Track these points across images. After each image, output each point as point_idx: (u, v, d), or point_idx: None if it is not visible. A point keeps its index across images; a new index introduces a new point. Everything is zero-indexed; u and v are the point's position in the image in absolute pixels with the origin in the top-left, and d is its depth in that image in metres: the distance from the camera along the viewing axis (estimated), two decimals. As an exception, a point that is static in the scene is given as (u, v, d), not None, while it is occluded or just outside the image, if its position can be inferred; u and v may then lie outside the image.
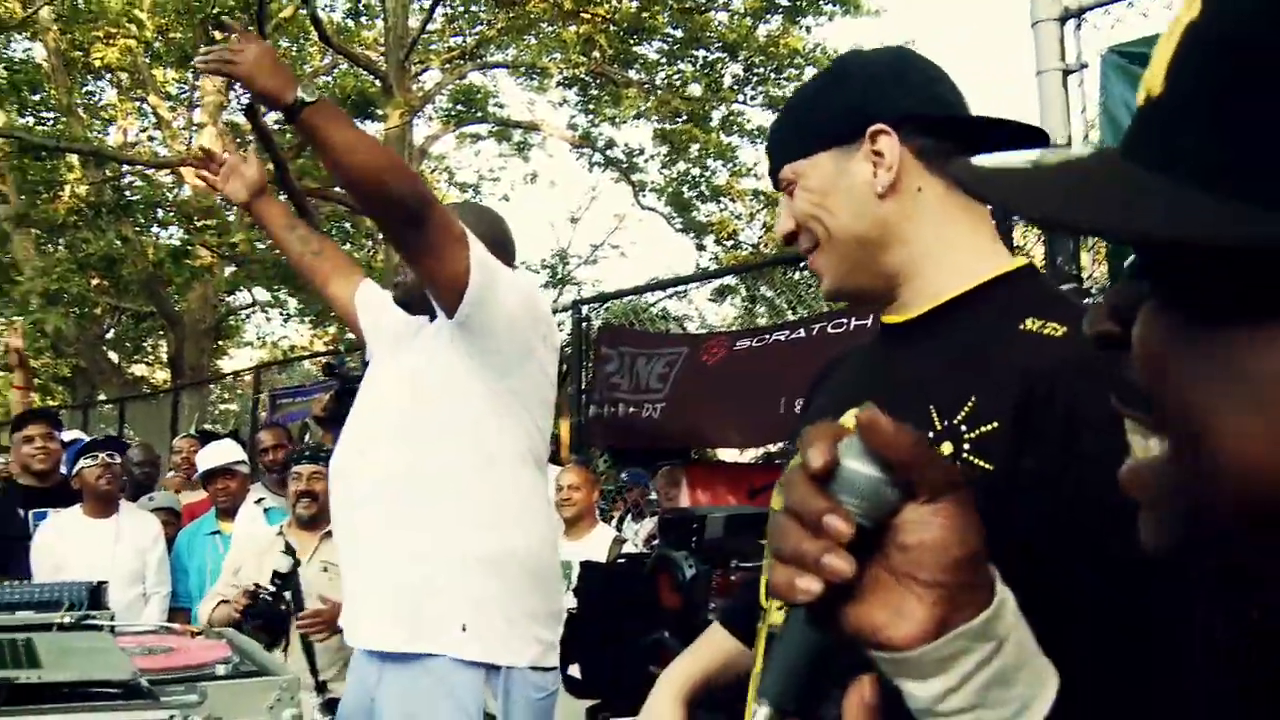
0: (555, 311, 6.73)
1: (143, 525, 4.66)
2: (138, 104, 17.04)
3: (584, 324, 6.10)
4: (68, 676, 1.82)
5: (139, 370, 22.46)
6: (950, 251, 1.22)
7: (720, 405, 4.80)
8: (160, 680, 2.18)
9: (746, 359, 4.76)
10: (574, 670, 3.42)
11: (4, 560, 4.28)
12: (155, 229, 14.51)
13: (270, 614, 3.70)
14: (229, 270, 16.38)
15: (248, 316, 21.28)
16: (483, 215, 2.58)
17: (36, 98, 14.68)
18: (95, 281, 14.48)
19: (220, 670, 2.32)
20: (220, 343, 20.05)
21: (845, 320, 4.49)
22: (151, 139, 17.93)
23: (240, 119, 14.22)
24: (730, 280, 14.58)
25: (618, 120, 15.63)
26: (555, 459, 6.35)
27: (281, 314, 21.17)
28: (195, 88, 15.85)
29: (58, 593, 3.64)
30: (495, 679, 2.23)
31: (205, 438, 9.81)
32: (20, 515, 4.63)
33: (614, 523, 6.58)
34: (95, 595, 3.65)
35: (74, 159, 13.19)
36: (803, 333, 4.56)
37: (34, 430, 4.95)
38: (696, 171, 15.32)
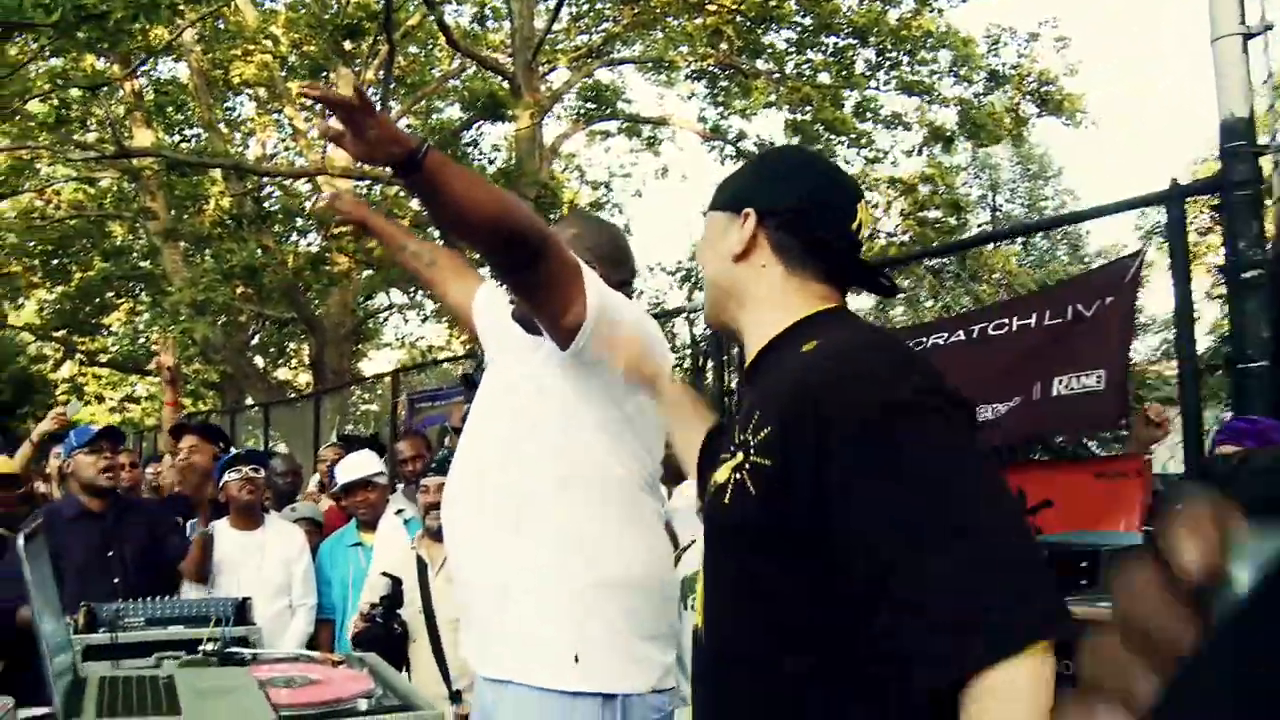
0: (691, 312, 6.59)
1: (288, 537, 4.68)
2: (274, 117, 17.51)
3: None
4: (207, 725, 1.75)
5: (283, 374, 23.16)
6: (774, 310, 1.57)
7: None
8: (300, 717, 2.12)
9: (988, 347, 4.34)
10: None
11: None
12: (294, 237, 14.85)
13: (380, 638, 3.66)
14: (366, 274, 16.70)
15: (385, 319, 21.70)
16: (600, 229, 2.52)
17: (181, 117, 15.21)
18: (239, 290, 14.89)
19: (363, 705, 2.24)
20: (359, 346, 20.50)
21: (1008, 321, 4.18)
22: (288, 149, 18.45)
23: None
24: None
25: (748, 111, 15.39)
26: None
27: (419, 315, 21.56)
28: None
29: (205, 608, 3.68)
30: (614, 703, 2.15)
31: (347, 443, 10.02)
32: (182, 525, 4.70)
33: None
34: (241, 611, 3.69)
35: (217, 173, 13.58)
36: (961, 335, 4.26)
37: (186, 443, 5.07)
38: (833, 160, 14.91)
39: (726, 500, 1.42)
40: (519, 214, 2.00)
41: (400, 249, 2.79)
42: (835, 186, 1.62)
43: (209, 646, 2.51)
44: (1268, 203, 3.39)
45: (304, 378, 22.52)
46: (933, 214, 14.75)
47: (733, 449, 1.45)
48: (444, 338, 22.63)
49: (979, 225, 19.60)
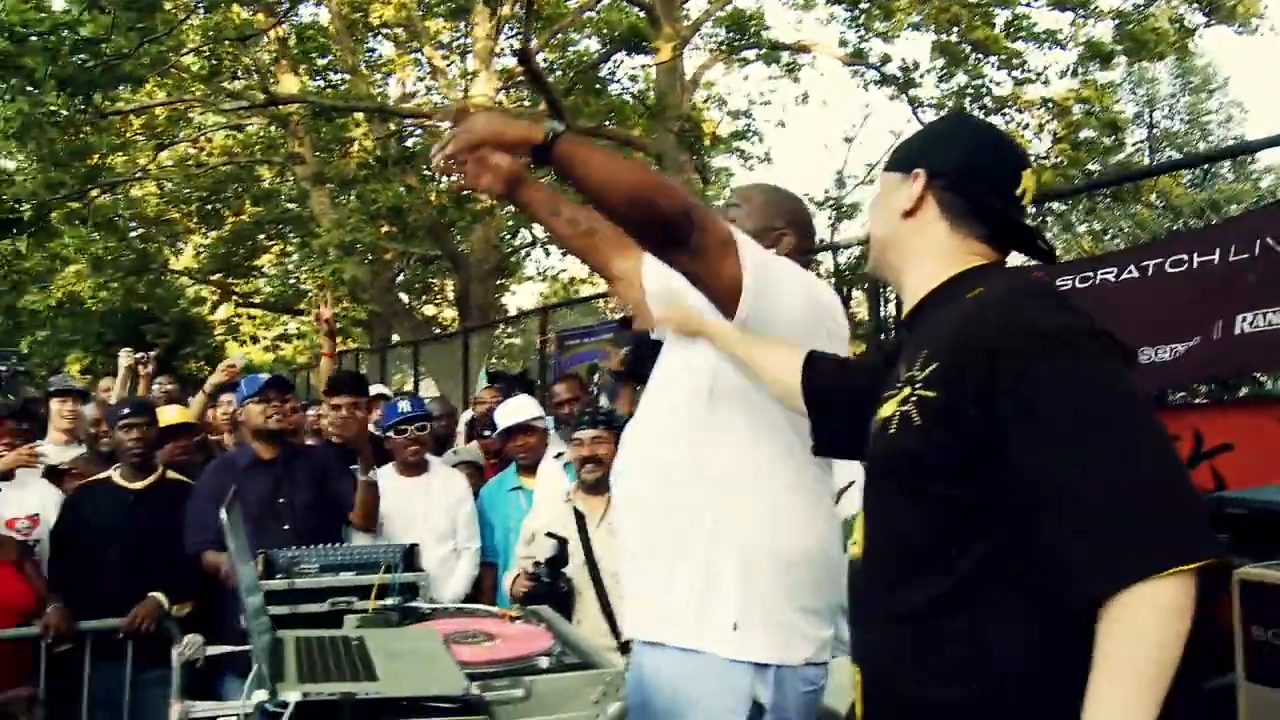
0: (841, 248, 6.43)
1: (452, 483, 4.75)
2: (414, 56, 17.69)
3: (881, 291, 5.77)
4: (406, 691, 1.76)
5: (429, 310, 23.66)
6: (936, 263, 1.70)
7: (1136, 335, 4.23)
8: (487, 674, 2.13)
9: (1156, 283, 4.02)
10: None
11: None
12: (438, 176, 15.01)
13: (550, 598, 3.67)
14: (509, 210, 16.82)
15: (527, 254, 21.87)
16: (791, 196, 2.47)
17: (324, 61, 15.47)
18: (385, 229, 15.19)
19: (543, 663, 2.25)
20: (503, 281, 20.74)
21: (1186, 257, 3.91)
22: (429, 89, 18.63)
23: (511, 62, 14.40)
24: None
25: (890, 34, 14.89)
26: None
27: (560, 249, 21.69)
28: (468, 35, 16.27)
29: (375, 555, 3.76)
30: (766, 673, 2.14)
31: (496, 379, 10.14)
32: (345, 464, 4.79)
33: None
34: (409, 557, 3.76)
35: (360, 116, 13.78)
36: (1134, 271, 4.01)
37: (341, 401, 5.14)
38: (978, 83, 14.39)
39: (892, 431, 1.54)
40: (661, 190, 1.99)
41: (553, 214, 2.59)
42: (1001, 153, 1.73)
43: (389, 601, 2.54)
44: None
45: (449, 313, 22.95)
46: (1086, 133, 14.07)
47: (898, 385, 1.57)
48: (586, 270, 22.79)
49: (1134, 144, 18.69)
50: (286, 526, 4.14)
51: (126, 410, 4.32)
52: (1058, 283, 4.32)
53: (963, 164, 1.68)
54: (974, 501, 1.44)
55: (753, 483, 2.20)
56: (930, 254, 1.70)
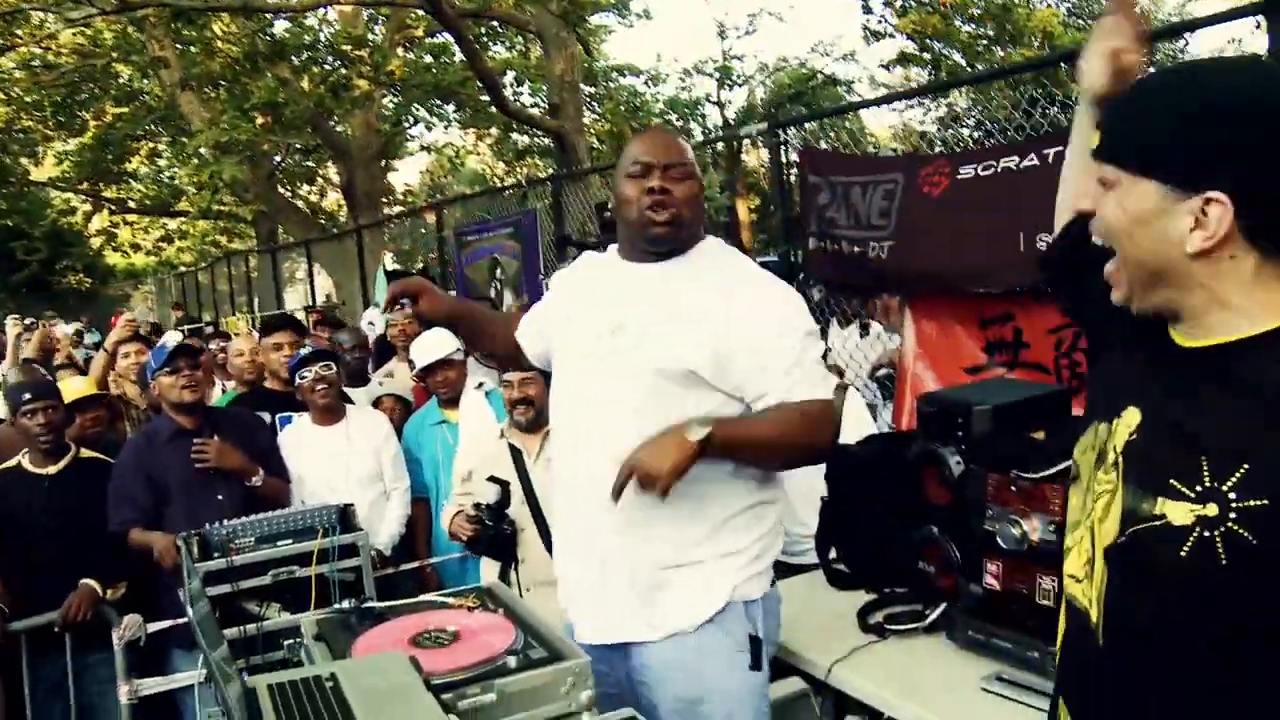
0: (744, 134, 6.35)
1: (372, 425, 4.70)
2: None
3: (782, 147, 5.71)
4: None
5: (314, 198, 23.01)
6: (1251, 302, 1.22)
7: (951, 244, 4.42)
8: (454, 684, 2.14)
9: (973, 189, 4.33)
10: (834, 560, 3.32)
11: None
12: (313, 67, 14.40)
13: (495, 541, 3.70)
14: (388, 99, 16.29)
15: (410, 127, 21.24)
16: None
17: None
18: (261, 122, 14.58)
19: (511, 662, 2.26)
20: (388, 162, 20.20)
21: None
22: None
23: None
24: (906, 44, 13.74)
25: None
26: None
27: (443, 124, 21.12)
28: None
29: (311, 519, 3.73)
30: (754, 606, 2.46)
31: (393, 279, 9.96)
32: (262, 419, 4.71)
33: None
34: (345, 518, 3.74)
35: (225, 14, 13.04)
36: (1035, 159, 4.07)
37: (281, 338, 5.06)
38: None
39: (1183, 555, 1.21)
40: (820, 434, 2.37)
41: (479, 340, 2.95)
42: None
43: (346, 604, 2.52)
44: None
45: (334, 195, 22.38)
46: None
47: (1198, 490, 1.19)
48: (472, 141, 22.32)
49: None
50: (220, 496, 4.06)
51: (28, 395, 4.12)
52: (960, 173, 4.42)
53: (1274, 166, 1.18)
54: None
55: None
56: (1233, 295, 1.23)
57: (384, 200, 19.81)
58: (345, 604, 2.53)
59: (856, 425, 4.14)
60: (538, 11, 10.44)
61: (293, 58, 13.35)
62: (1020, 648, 2.48)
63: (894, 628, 2.84)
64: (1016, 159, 4.18)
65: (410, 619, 2.49)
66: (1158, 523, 1.23)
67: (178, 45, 13.89)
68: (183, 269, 23.80)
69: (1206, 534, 1.17)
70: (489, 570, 3.83)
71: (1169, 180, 1.21)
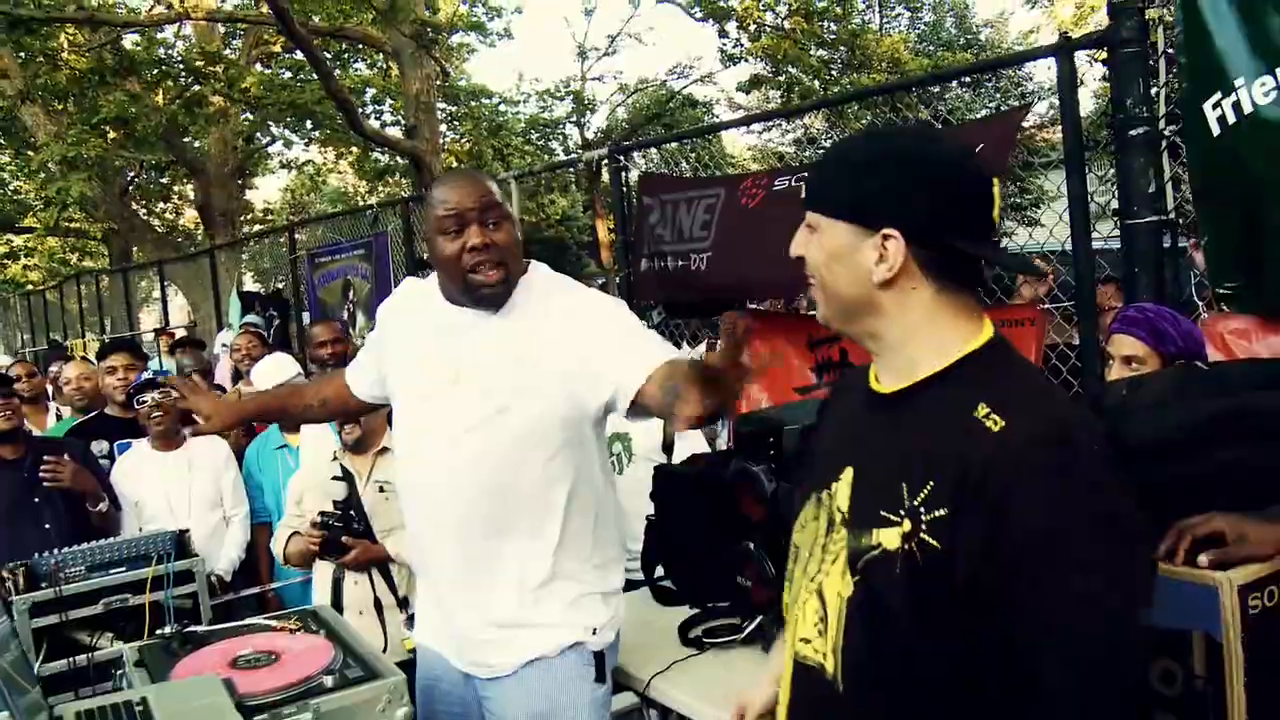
0: (586, 158, 6.49)
1: (212, 450, 4.68)
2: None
3: (623, 172, 5.86)
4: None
5: (169, 217, 22.36)
6: (929, 336, 1.44)
7: (764, 254, 4.63)
8: (270, 704, 2.21)
9: (785, 199, 4.57)
10: (660, 578, 3.44)
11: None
12: (166, 82, 14.06)
13: (339, 543, 3.73)
14: (244, 117, 15.99)
15: (268, 144, 20.85)
16: None
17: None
18: (112, 136, 14.18)
19: (329, 681, 2.33)
20: (245, 180, 19.79)
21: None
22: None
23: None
24: (761, 68, 14.10)
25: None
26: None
27: (301, 140, 20.77)
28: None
29: (145, 546, 3.71)
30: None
31: (248, 300, 9.85)
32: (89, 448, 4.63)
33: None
34: (181, 545, 3.73)
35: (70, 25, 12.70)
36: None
37: (117, 361, 4.98)
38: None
39: (897, 571, 1.36)
40: None
41: (291, 417, 3.14)
42: (972, 174, 1.43)
43: (167, 630, 2.56)
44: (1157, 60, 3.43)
45: (190, 212, 21.80)
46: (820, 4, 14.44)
47: (900, 513, 1.36)
48: (334, 158, 22.00)
49: (865, 2, 19.28)
50: (47, 526, 4.00)
51: None
52: (776, 186, 4.66)
53: (938, 208, 1.40)
54: (963, 657, 1.34)
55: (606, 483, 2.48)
56: (918, 325, 1.44)
57: (243, 219, 19.41)
58: (167, 629, 2.56)
59: (691, 443, 4.28)
60: (391, 32, 10.43)
61: (144, 72, 13.01)
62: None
63: (712, 641, 2.96)
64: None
65: (232, 642, 2.54)
66: (876, 551, 1.39)
67: (19, 55, 13.45)
68: (30, 288, 22.88)
69: (907, 547, 1.35)
70: (321, 592, 3.84)
71: (855, 220, 1.43)
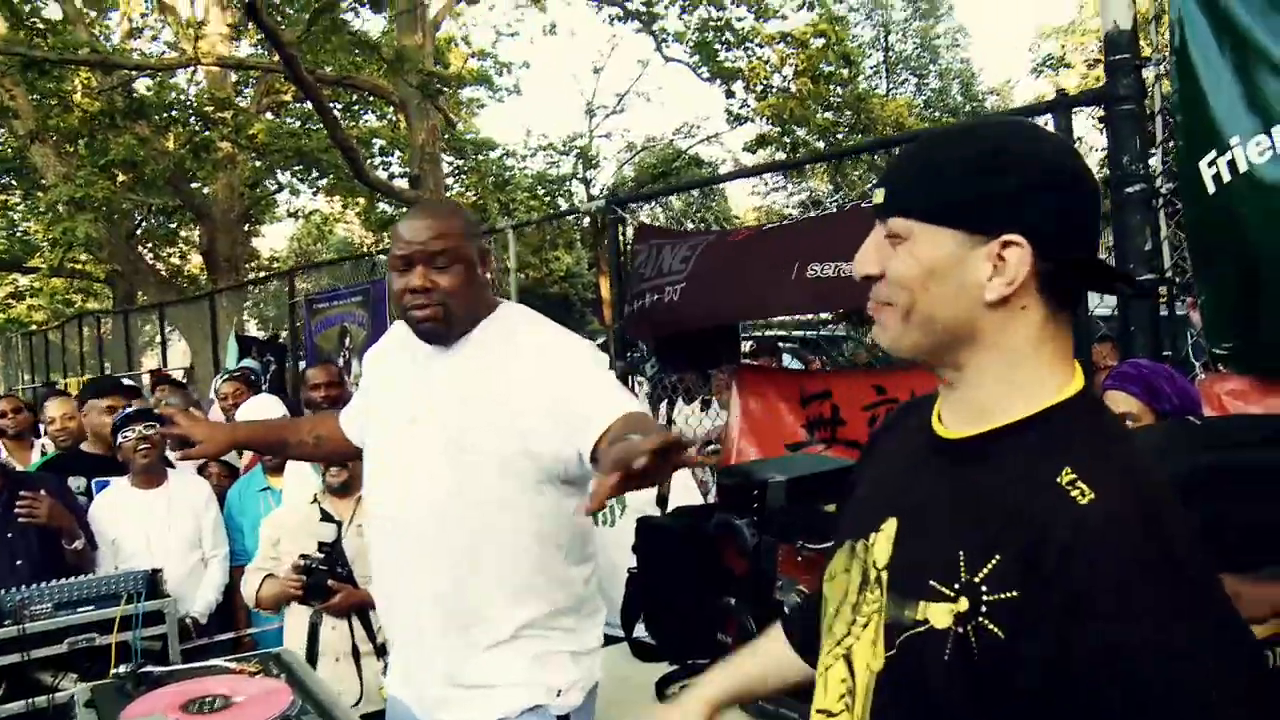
0: (584, 210, 6.48)
1: (193, 490, 4.62)
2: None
3: (621, 224, 5.84)
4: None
5: (174, 263, 22.45)
6: (1021, 373, 1.19)
7: (736, 279, 4.68)
8: (224, 750, 2.12)
9: (767, 237, 4.73)
10: (639, 633, 3.36)
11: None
12: (175, 126, 14.17)
13: (324, 587, 3.66)
14: (251, 163, 16.10)
15: (275, 193, 20.97)
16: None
17: (25, 5, 14.22)
18: (121, 179, 14.27)
19: (284, 728, 2.25)
20: (251, 226, 19.89)
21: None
22: (159, 23, 17.44)
23: None
24: (767, 128, 14.20)
25: (631, -34, 14.90)
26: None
27: (310, 188, 20.90)
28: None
29: (115, 585, 3.63)
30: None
31: (245, 345, 9.82)
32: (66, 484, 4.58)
33: (661, 417, 6.51)
34: (152, 584, 3.65)
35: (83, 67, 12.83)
36: (834, 208, 4.45)
37: (114, 401, 4.95)
38: (719, 16, 14.62)
39: (946, 657, 1.13)
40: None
41: (283, 450, 2.89)
42: (1091, 181, 1.20)
43: (122, 670, 2.48)
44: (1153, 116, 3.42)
45: (195, 259, 21.89)
46: (825, 66, 14.56)
47: (955, 588, 1.13)
48: (340, 207, 22.13)
49: (872, 67, 19.48)
50: (20, 562, 3.91)
51: None
52: (765, 228, 4.74)
53: (1064, 213, 1.17)
54: None
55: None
56: (1015, 361, 1.20)
57: (248, 265, 19.47)
58: (121, 669, 2.48)
59: (684, 496, 4.22)
60: (398, 82, 10.51)
61: (154, 116, 13.11)
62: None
63: (690, 697, 2.89)
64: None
65: (187, 684, 2.46)
66: (921, 629, 1.16)
67: (35, 96, 13.57)
68: (33, 328, 22.91)
69: (961, 630, 1.11)
70: (295, 638, 3.75)
71: (965, 225, 1.17)
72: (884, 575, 1.25)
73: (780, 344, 9.09)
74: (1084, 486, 1.08)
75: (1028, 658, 1.06)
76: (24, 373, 20.18)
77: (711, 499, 5.03)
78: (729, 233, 5.06)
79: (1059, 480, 1.09)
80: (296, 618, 3.79)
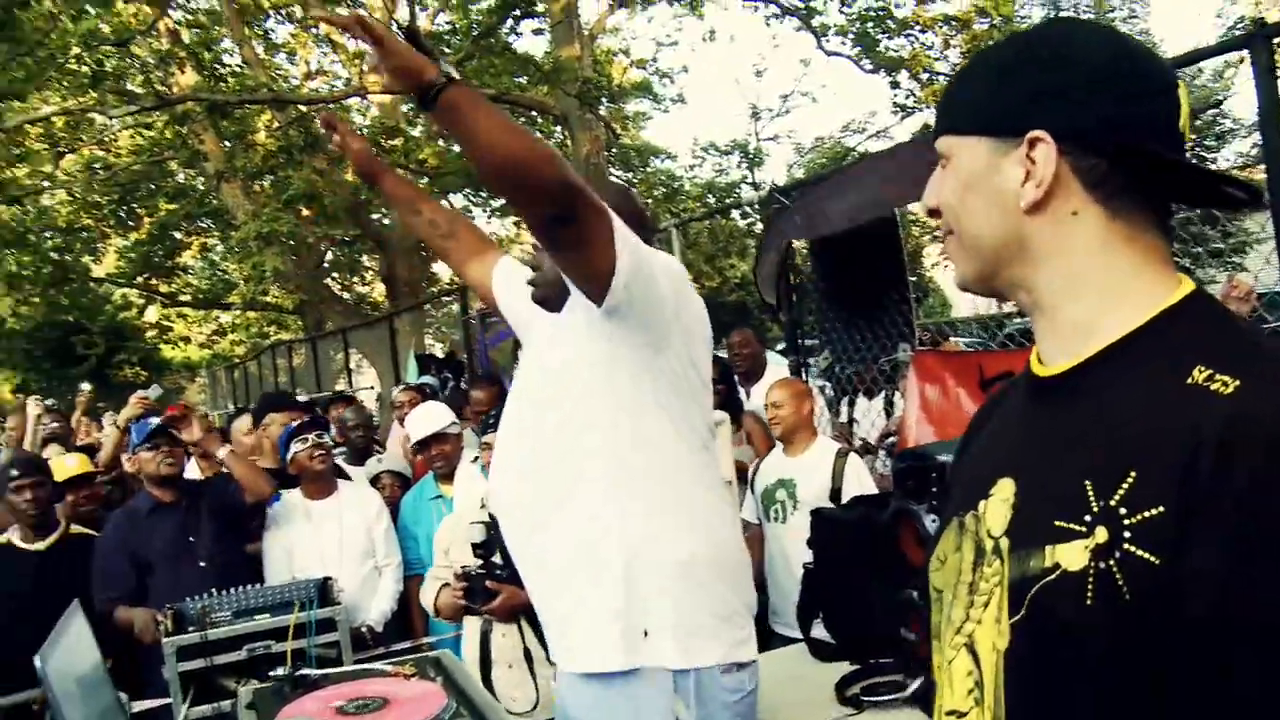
0: (751, 205, 6.32)
1: (364, 500, 4.67)
2: (312, 32, 17.22)
3: (781, 214, 5.67)
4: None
5: (360, 290, 23.32)
6: (1103, 287, 1.06)
7: (888, 170, 4.77)
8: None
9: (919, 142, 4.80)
10: (817, 631, 3.19)
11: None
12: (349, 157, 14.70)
13: (484, 590, 3.58)
14: (423, 184, 16.55)
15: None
16: (615, 190, 2.42)
17: (221, 48, 15.02)
18: (304, 214, 14.88)
19: (438, 730, 2.17)
20: (428, 252, 20.47)
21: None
22: (332, 62, 18.20)
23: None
24: (931, 118, 13.75)
25: (787, -37, 14.68)
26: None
27: (484, 211, 21.39)
28: (362, 5, 15.85)
29: (289, 593, 3.68)
30: (685, 683, 2.08)
31: (424, 363, 10.03)
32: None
33: (842, 415, 6.28)
34: (324, 592, 3.68)
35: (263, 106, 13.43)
36: None
37: (289, 416, 5.13)
38: (879, 5, 14.27)
39: (1088, 602, 0.94)
40: (545, 161, 1.83)
41: (414, 213, 2.67)
42: (1150, 69, 1.07)
43: (280, 671, 2.46)
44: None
45: (379, 286, 22.69)
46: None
47: (1087, 520, 0.96)
48: (515, 230, 22.58)
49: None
50: (202, 564, 4.10)
51: (16, 472, 4.18)
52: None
53: (1103, 98, 1.04)
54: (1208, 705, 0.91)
55: (642, 484, 2.12)
56: (1084, 270, 1.07)
57: (428, 289, 20.05)
58: (279, 672, 2.47)
59: (859, 490, 4.05)
60: (557, 96, 10.59)
61: (328, 149, 13.61)
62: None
63: (872, 699, 2.72)
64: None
65: (344, 687, 2.42)
66: (1052, 575, 0.98)
67: (225, 142, 14.30)
68: (235, 361, 24.16)
69: (1102, 565, 0.93)
70: (470, 646, 3.70)
71: (993, 130, 1.09)
72: (1003, 542, 1.07)
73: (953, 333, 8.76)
74: (1224, 378, 0.93)
75: (1193, 579, 0.88)
76: (227, 403, 21.28)
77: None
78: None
79: (1190, 380, 0.95)
80: (472, 626, 3.74)
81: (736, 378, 5.78)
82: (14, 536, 4.22)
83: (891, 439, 5.66)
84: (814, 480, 4.36)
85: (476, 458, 4.64)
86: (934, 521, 2.69)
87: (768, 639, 4.18)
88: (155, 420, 4.35)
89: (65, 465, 4.67)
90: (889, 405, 6.84)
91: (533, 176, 1.82)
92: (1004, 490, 1.10)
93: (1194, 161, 1.06)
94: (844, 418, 6.58)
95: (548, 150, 1.87)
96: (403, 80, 1.78)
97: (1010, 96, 1.08)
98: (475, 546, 3.60)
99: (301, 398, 7.14)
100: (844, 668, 2.93)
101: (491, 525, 3.64)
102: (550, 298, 2.26)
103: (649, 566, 2.09)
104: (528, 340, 2.47)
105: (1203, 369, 0.95)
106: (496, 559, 3.58)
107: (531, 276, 2.29)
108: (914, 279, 6.16)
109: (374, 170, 2.64)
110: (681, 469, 2.15)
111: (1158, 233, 1.08)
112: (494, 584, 3.57)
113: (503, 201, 18.36)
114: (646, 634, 2.07)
